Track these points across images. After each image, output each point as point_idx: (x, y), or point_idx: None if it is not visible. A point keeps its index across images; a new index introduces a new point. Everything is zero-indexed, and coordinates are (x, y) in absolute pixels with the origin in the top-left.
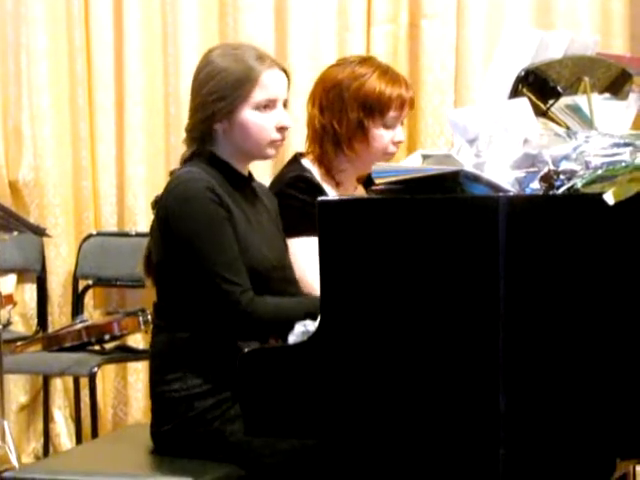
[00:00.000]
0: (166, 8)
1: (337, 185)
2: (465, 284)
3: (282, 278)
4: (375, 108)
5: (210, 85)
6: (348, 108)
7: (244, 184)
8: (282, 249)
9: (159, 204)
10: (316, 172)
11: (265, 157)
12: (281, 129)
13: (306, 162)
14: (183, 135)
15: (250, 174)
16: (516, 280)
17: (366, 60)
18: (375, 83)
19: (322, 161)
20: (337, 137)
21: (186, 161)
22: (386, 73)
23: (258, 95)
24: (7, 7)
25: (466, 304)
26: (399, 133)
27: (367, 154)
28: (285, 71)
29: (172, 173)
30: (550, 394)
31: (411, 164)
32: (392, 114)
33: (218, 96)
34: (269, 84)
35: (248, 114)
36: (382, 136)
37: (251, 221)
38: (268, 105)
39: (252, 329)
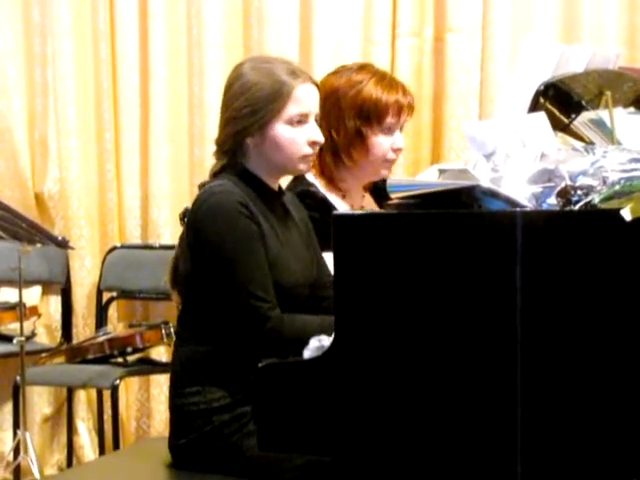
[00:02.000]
0: (191, 21)
1: (343, 196)
2: (482, 300)
3: (308, 296)
4: (372, 115)
5: (242, 99)
6: (345, 116)
7: (274, 199)
8: (310, 266)
9: (189, 217)
10: (320, 185)
11: (297, 172)
12: (313, 144)
13: (310, 176)
14: (208, 148)
15: (280, 188)
16: (533, 295)
17: (363, 67)
18: (372, 90)
19: (324, 172)
20: (336, 146)
21: (216, 174)
22: (383, 79)
23: (291, 110)
24: (34, 19)
25: (483, 320)
26: (398, 140)
27: (366, 162)
28: (317, 85)
29: (202, 186)
30: (567, 410)
31: (427, 179)
32: (390, 120)
33: (250, 110)
34: (302, 99)
35: (280, 129)
36: (381, 143)
37: (280, 237)
38: (300, 120)
39: (279, 346)
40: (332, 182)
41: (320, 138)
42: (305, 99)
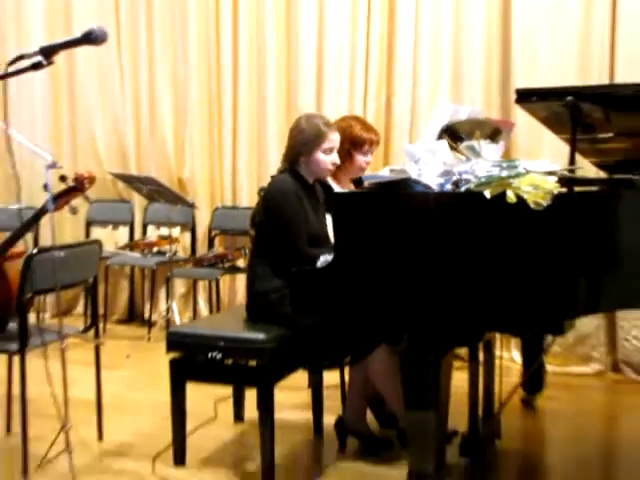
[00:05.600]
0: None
1: (338, 183)
2: (412, 243)
3: (323, 242)
4: (357, 144)
5: (299, 137)
6: (344, 143)
7: (311, 190)
8: (325, 226)
9: (265, 194)
10: (328, 178)
11: (323, 177)
12: (334, 164)
13: None
14: (267, 159)
15: (314, 183)
16: (439, 239)
17: (355, 117)
18: (357, 130)
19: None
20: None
21: (281, 172)
22: (364, 124)
23: (325, 145)
24: (178, 54)
25: (411, 257)
26: (369, 158)
27: (352, 168)
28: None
29: (273, 178)
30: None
31: (384, 174)
32: (366, 148)
33: (304, 143)
34: (332, 139)
35: (319, 155)
36: (359, 159)
37: (312, 211)
38: (329, 150)
39: (308, 262)
40: (334, 176)
41: (338, 161)
42: (333, 140)
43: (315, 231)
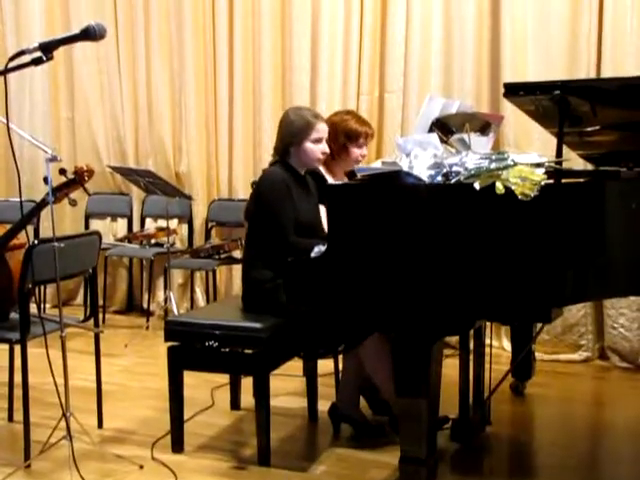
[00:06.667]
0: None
1: (333, 176)
2: (404, 234)
3: (315, 229)
4: (352, 137)
5: (288, 128)
6: (338, 137)
7: (302, 180)
8: (317, 215)
9: (257, 185)
10: (322, 170)
11: (314, 167)
12: (323, 153)
13: None
14: (263, 153)
15: (305, 174)
16: (431, 225)
17: (349, 112)
18: (353, 124)
19: (325, 163)
20: (332, 152)
21: (272, 164)
22: (359, 118)
23: (314, 135)
24: (175, 68)
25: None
26: (364, 151)
27: (348, 161)
28: (326, 122)
29: (264, 170)
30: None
31: (376, 166)
32: (361, 141)
33: (293, 134)
34: (320, 130)
35: (308, 145)
36: (355, 152)
37: (303, 200)
38: (318, 141)
39: (294, 252)
40: (328, 169)
41: (327, 151)
42: (321, 130)
43: (307, 219)
